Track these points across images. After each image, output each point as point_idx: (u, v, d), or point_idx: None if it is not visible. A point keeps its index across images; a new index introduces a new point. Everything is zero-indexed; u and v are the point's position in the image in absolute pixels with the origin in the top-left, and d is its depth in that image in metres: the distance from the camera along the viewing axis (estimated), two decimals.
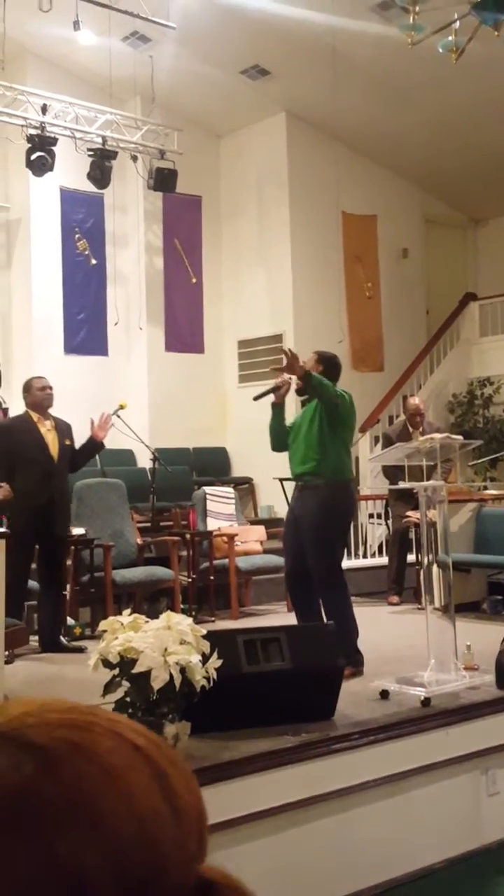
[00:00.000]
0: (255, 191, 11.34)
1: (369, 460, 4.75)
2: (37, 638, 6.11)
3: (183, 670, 3.29)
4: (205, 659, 3.40)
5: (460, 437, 4.89)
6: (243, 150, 11.41)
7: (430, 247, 12.70)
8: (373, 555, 9.28)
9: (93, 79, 9.80)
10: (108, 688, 3.38)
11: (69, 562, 6.64)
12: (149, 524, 8.34)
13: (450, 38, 4.85)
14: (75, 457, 6.23)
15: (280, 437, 5.32)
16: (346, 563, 8.91)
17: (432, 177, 12.08)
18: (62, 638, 6.08)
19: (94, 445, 6.27)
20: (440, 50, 4.98)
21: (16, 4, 8.07)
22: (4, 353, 10.28)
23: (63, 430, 6.11)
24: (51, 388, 6.13)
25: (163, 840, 0.57)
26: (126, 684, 3.37)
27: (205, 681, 3.34)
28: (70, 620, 6.39)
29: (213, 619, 7.22)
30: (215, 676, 3.38)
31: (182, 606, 7.09)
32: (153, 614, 7.11)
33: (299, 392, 5.27)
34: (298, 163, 11.03)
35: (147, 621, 3.50)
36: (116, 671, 3.36)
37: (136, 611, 6.88)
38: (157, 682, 3.23)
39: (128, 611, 3.58)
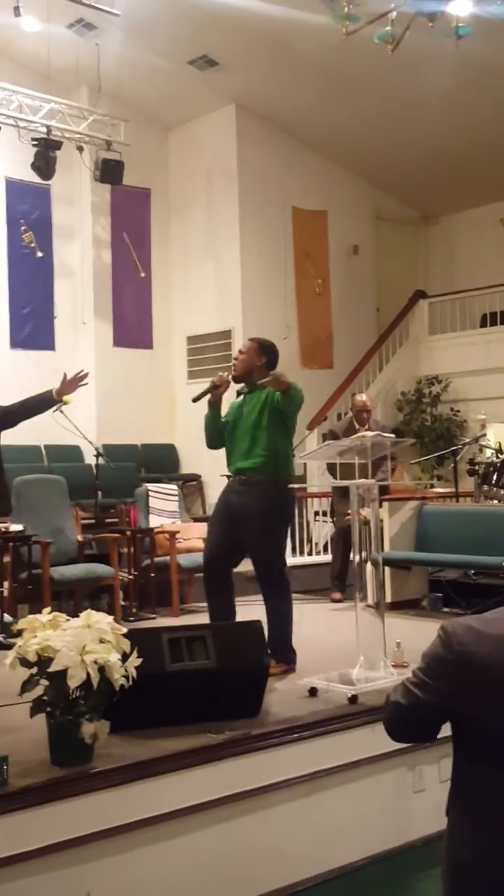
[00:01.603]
0: (205, 184, 11.28)
1: (301, 457, 4.68)
2: None
3: (101, 669, 3.23)
4: (125, 657, 3.34)
5: (392, 436, 4.88)
6: (192, 142, 11.35)
7: (381, 244, 12.72)
8: (318, 552, 9.26)
9: (37, 66, 9.65)
10: (26, 686, 3.31)
11: (6, 559, 6.54)
12: (93, 521, 8.27)
13: (387, 28, 4.83)
14: (14, 412, 5.80)
15: (218, 435, 5.23)
16: (292, 560, 8.94)
17: (383, 173, 12.11)
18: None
19: (48, 401, 5.77)
20: (376, 41, 4.97)
21: None
22: None
23: None
24: None
25: None
26: (45, 683, 3.30)
27: (124, 679, 3.29)
28: (7, 617, 6.29)
29: (154, 616, 7.17)
30: (135, 675, 3.33)
31: (123, 604, 7.03)
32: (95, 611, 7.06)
33: (237, 380, 5.18)
34: (248, 156, 10.98)
35: (68, 619, 3.44)
36: (34, 670, 3.29)
37: (77, 608, 6.87)
38: (74, 681, 3.17)
39: (47, 609, 3.51)
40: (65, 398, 8.07)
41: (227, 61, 10.10)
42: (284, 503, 5.11)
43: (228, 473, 5.18)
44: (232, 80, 10.47)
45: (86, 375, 5.85)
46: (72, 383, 5.78)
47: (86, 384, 5.90)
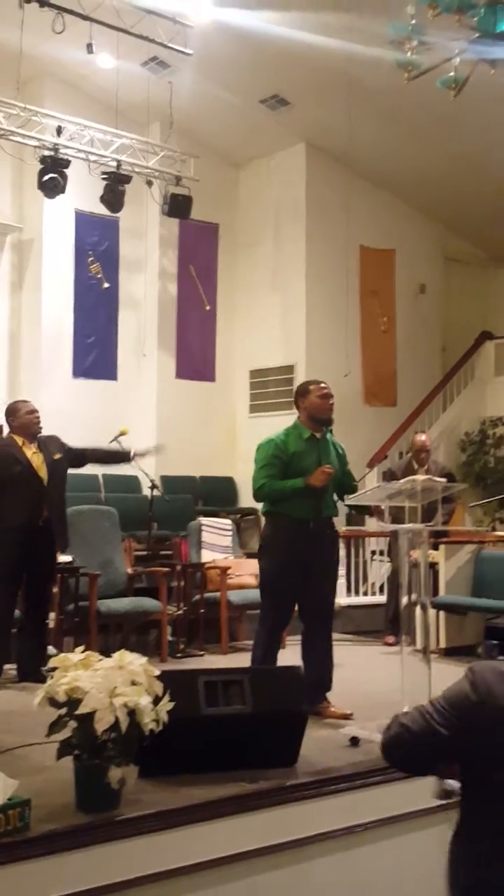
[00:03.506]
0: (273, 221, 11.32)
1: (348, 501, 4.58)
2: (15, 666, 6.00)
3: (131, 712, 3.16)
4: (157, 700, 3.27)
5: (443, 480, 4.77)
6: (262, 179, 11.41)
7: (449, 284, 12.61)
8: (374, 593, 9.10)
9: (110, 102, 9.80)
10: (54, 728, 3.25)
11: (55, 589, 6.53)
12: (146, 553, 8.24)
13: (450, 73, 4.80)
14: (82, 457, 6.23)
15: None
16: (347, 601, 8.81)
17: (453, 213, 12.01)
18: (42, 668, 5.94)
19: (123, 458, 6.39)
20: (438, 86, 4.93)
21: (32, 27, 8.12)
22: (12, 374, 10.27)
23: (48, 446, 6.00)
24: (38, 412, 6.04)
25: None
26: (73, 724, 3.24)
27: (154, 724, 3.21)
28: (52, 650, 6.26)
29: (201, 653, 7.08)
30: (166, 719, 3.25)
31: (171, 639, 6.97)
32: (142, 646, 7.03)
33: (324, 423, 5.02)
34: (317, 194, 11.00)
35: (101, 659, 3.38)
36: (63, 710, 3.24)
37: (125, 642, 6.84)
38: (102, 725, 3.10)
39: (80, 648, 3.46)
40: (122, 429, 8.15)
41: (299, 101, 10.16)
42: None
43: (300, 519, 4.92)
44: (303, 120, 10.51)
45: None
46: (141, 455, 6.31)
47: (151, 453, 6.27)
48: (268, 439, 5.00)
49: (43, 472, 5.86)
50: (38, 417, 5.97)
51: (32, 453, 5.88)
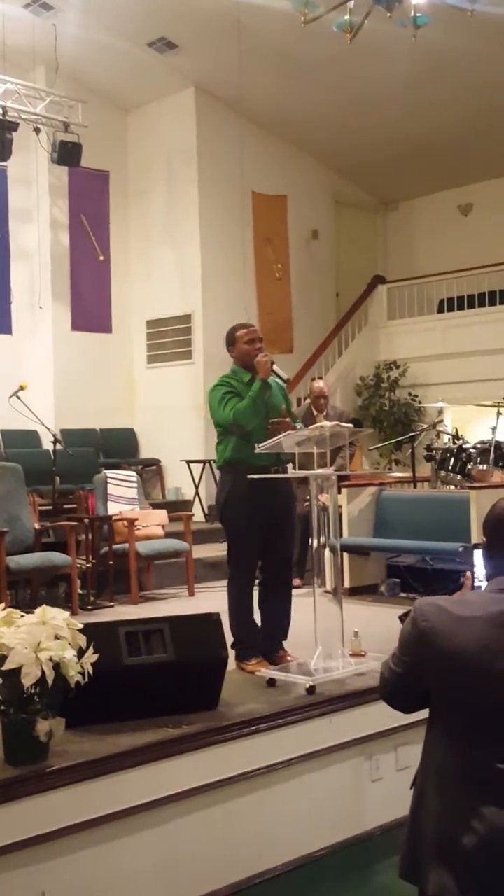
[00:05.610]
0: (164, 167, 11.17)
1: (259, 448, 4.51)
2: None
3: (57, 666, 3.20)
4: (81, 653, 3.32)
5: (350, 426, 4.88)
6: (152, 124, 11.23)
7: (341, 229, 12.71)
8: None
9: None
10: None
11: None
12: (51, 507, 8.20)
13: (345, 17, 4.81)
14: None
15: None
16: None
17: (343, 158, 12.08)
18: None
19: None
20: (335, 29, 4.94)
21: None
22: None
23: None
24: None
25: None
26: None
27: (80, 676, 3.26)
28: None
29: (112, 604, 7.14)
30: (91, 671, 3.30)
31: (81, 592, 6.99)
32: (51, 600, 7.01)
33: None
34: (208, 140, 10.89)
35: (22, 615, 3.40)
36: None
37: (34, 597, 6.83)
38: (28, 679, 3.14)
39: (1, 605, 3.47)
40: (21, 384, 8.05)
41: (186, 44, 9.99)
42: None
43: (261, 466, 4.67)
44: (191, 64, 10.36)
45: None
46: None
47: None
48: (213, 385, 4.85)
49: None
50: None
51: None
